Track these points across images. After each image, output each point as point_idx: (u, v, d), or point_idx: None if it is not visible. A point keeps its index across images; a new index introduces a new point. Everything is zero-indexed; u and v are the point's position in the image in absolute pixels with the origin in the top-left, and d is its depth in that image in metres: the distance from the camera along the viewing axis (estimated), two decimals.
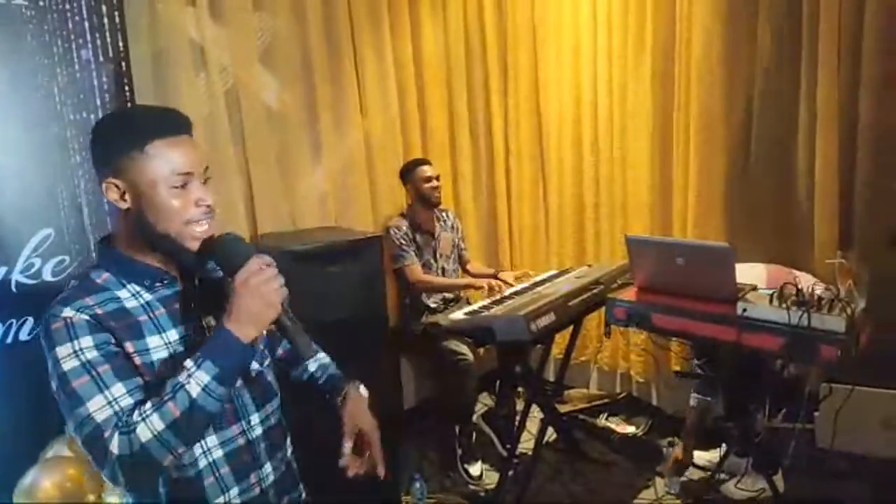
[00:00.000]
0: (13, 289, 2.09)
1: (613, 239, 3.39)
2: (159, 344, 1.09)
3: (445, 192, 3.41)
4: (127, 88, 2.27)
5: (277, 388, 1.32)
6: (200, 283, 1.19)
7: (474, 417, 3.23)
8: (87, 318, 1.03)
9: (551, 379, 3.67)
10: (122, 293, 1.09)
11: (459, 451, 3.07)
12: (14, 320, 2.11)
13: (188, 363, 1.01)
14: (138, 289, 1.11)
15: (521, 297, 2.60)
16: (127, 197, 1.07)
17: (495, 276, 3.31)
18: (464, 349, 2.97)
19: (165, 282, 1.14)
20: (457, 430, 3.10)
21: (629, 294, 2.35)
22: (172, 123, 1.09)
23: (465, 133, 3.73)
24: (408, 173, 3.24)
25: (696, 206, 2.99)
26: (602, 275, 2.73)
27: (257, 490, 1.21)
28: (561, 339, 3.31)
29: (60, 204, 2.17)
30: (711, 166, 2.93)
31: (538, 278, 2.96)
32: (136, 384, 1.03)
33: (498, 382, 3.45)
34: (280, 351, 1.41)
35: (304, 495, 1.37)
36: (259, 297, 1.02)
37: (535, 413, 2.91)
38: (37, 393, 2.11)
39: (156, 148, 1.06)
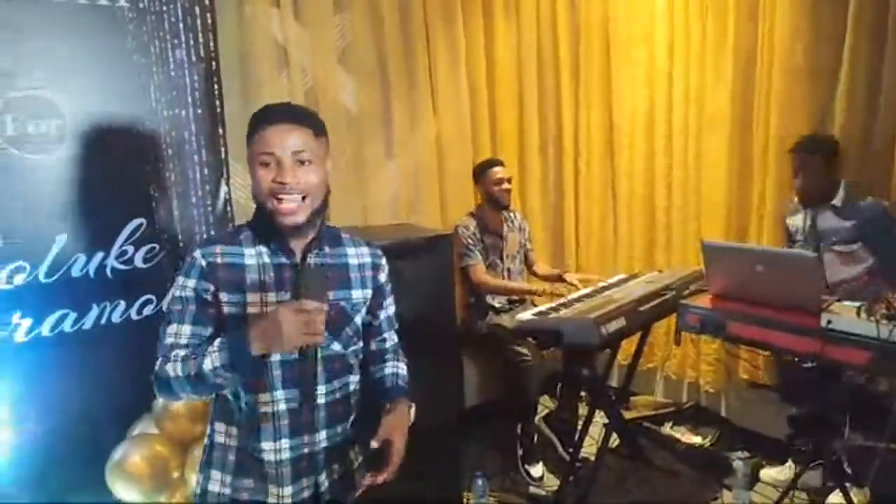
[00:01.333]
0: (108, 274, 2.22)
1: (686, 245, 3.31)
2: (255, 301, 1.29)
3: (513, 192, 3.41)
4: (216, 87, 2.38)
5: (356, 371, 1.45)
6: (303, 263, 1.33)
7: (536, 419, 3.22)
8: (204, 263, 1.28)
9: (614, 384, 3.62)
10: (249, 251, 1.32)
11: (520, 452, 3.07)
12: (108, 303, 2.24)
13: (218, 341, 1.21)
14: (263, 250, 1.32)
15: (591, 301, 2.57)
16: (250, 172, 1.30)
17: (560, 278, 3.29)
18: (526, 350, 2.97)
19: (282, 252, 1.33)
20: (518, 430, 3.09)
21: (703, 301, 2.29)
22: (278, 114, 1.29)
23: (535, 133, 3.72)
24: (480, 174, 3.25)
25: (775, 214, 2.89)
26: (674, 281, 2.67)
27: (306, 450, 1.34)
28: (626, 345, 3.27)
29: (152, 195, 2.30)
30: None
31: (608, 282, 2.92)
32: (202, 333, 1.28)
33: (559, 385, 3.42)
34: (372, 345, 1.51)
35: (355, 465, 1.46)
36: (281, 331, 1.15)
37: (596, 418, 2.88)
38: (125, 373, 2.24)
39: (259, 132, 1.27)
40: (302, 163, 1.27)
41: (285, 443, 1.31)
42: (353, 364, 1.42)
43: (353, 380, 1.43)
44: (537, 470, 3.01)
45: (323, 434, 1.36)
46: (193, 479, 1.98)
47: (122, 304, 2.27)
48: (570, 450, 2.93)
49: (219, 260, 1.29)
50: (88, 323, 2.21)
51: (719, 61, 3.06)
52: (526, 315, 2.52)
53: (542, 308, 2.58)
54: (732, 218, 3.10)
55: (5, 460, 2.08)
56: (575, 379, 3.22)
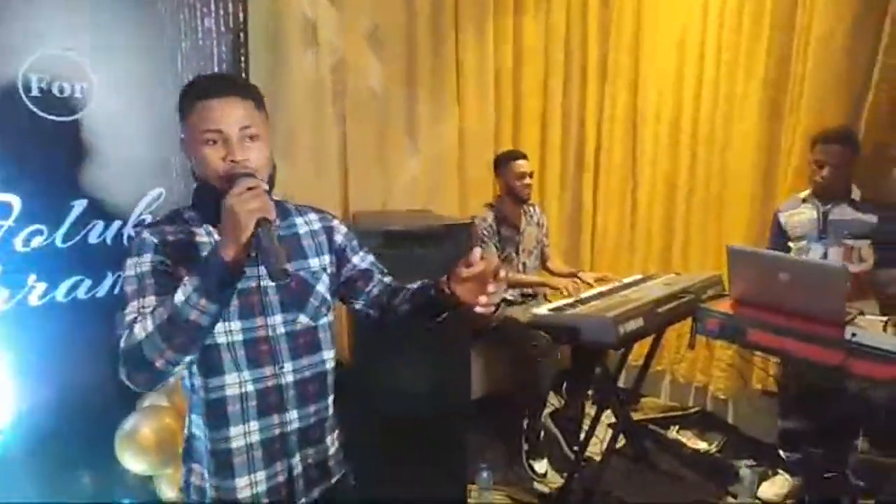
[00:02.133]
0: (125, 242, 2.20)
1: (705, 248, 3.27)
2: None
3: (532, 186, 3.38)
4: (242, 58, 2.35)
5: (330, 347, 1.37)
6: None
7: (542, 415, 3.20)
8: (155, 240, 1.21)
9: (621, 385, 3.60)
10: (199, 230, 1.26)
11: (525, 447, 3.05)
12: (122, 273, 2.22)
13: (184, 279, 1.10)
14: (212, 229, 1.25)
15: (608, 299, 2.54)
16: (184, 147, 1.25)
17: (575, 276, 3.26)
18: (539, 345, 2.94)
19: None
20: (524, 425, 3.08)
21: (724, 306, 2.27)
22: (216, 87, 1.22)
23: (557, 127, 3.69)
24: (502, 165, 3.20)
25: None
26: (692, 284, 2.64)
27: (277, 431, 1.28)
28: (636, 346, 3.23)
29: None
30: None
31: (624, 281, 2.89)
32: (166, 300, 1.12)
33: (564, 383, 3.40)
34: (374, 290, 1.41)
35: (331, 451, 1.40)
36: (232, 215, 1.07)
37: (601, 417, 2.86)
38: None
39: (197, 108, 1.20)
40: (250, 138, 1.20)
41: (254, 425, 1.26)
42: (323, 338, 1.34)
43: (328, 356, 1.35)
44: (541, 466, 2.99)
45: (294, 414, 1.29)
46: None
47: None
48: (576, 448, 2.92)
49: (170, 238, 1.22)
50: (102, 291, 2.19)
51: (752, 61, 3.00)
52: (542, 310, 2.49)
53: (558, 304, 2.55)
54: (755, 221, 3.05)
55: (14, 426, 2.07)
56: (583, 377, 3.20)
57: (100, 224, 2.15)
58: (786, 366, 2.62)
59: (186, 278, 1.09)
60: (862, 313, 2.12)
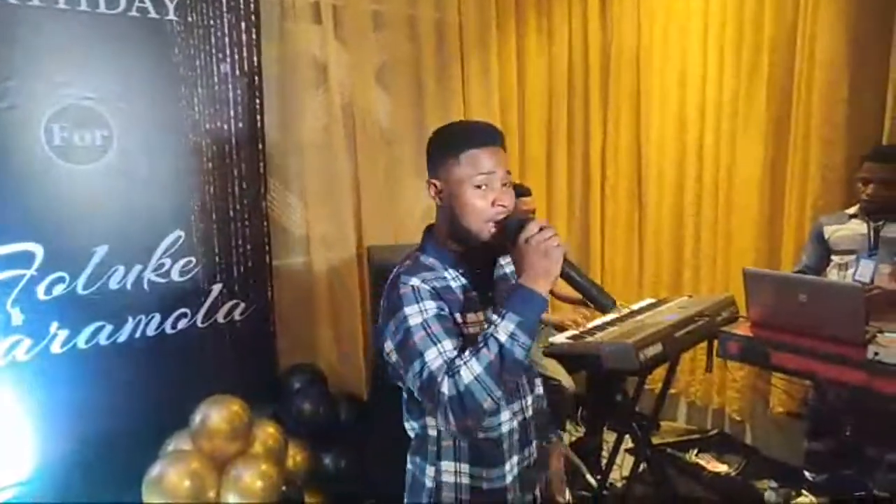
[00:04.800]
0: (145, 286, 2.22)
1: (714, 272, 3.28)
2: (474, 321, 1.24)
3: (539, 215, 3.39)
4: (258, 101, 2.38)
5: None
6: (489, 277, 1.33)
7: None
8: (428, 287, 1.19)
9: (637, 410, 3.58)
10: (445, 274, 1.25)
11: None
12: (143, 316, 2.23)
13: (494, 317, 1.13)
14: (455, 273, 1.26)
15: (624, 325, 2.54)
16: (442, 195, 1.24)
17: (584, 302, 3.24)
18: (561, 373, 2.93)
19: (462, 271, 1.28)
20: None
21: (743, 329, 2.27)
22: (482, 135, 1.24)
23: (563, 157, 3.73)
24: None
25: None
26: (706, 307, 2.63)
27: (526, 464, 1.33)
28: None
29: (192, 208, 2.29)
30: (833, 200, 2.80)
31: (637, 306, 2.89)
32: (460, 342, 1.17)
33: (580, 410, 3.38)
34: None
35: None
36: (541, 252, 1.12)
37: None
38: (158, 387, 2.22)
39: (465, 157, 1.21)
40: (505, 185, 1.24)
41: (515, 460, 1.31)
42: (534, 372, 1.43)
43: (540, 383, 1.44)
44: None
45: (534, 446, 1.36)
46: (229, 499, 1.96)
47: (158, 317, 2.26)
48: (598, 477, 2.89)
49: (436, 284, 1.22)
50: (123, 336, 2.20)
51: (753, 86, 3.05)
52: (559, 338, 2.49)
53: (576, 331, 2.55)
54: (762, 250, 3.07)
55: (36, 476, 2.05)
56: (602, 404, 3.18)
57: (121, 269, 2.16)
58: (816, 387, 2.61)
59: (499, 318, 1.12)
60: (881, 331, 2.13)
